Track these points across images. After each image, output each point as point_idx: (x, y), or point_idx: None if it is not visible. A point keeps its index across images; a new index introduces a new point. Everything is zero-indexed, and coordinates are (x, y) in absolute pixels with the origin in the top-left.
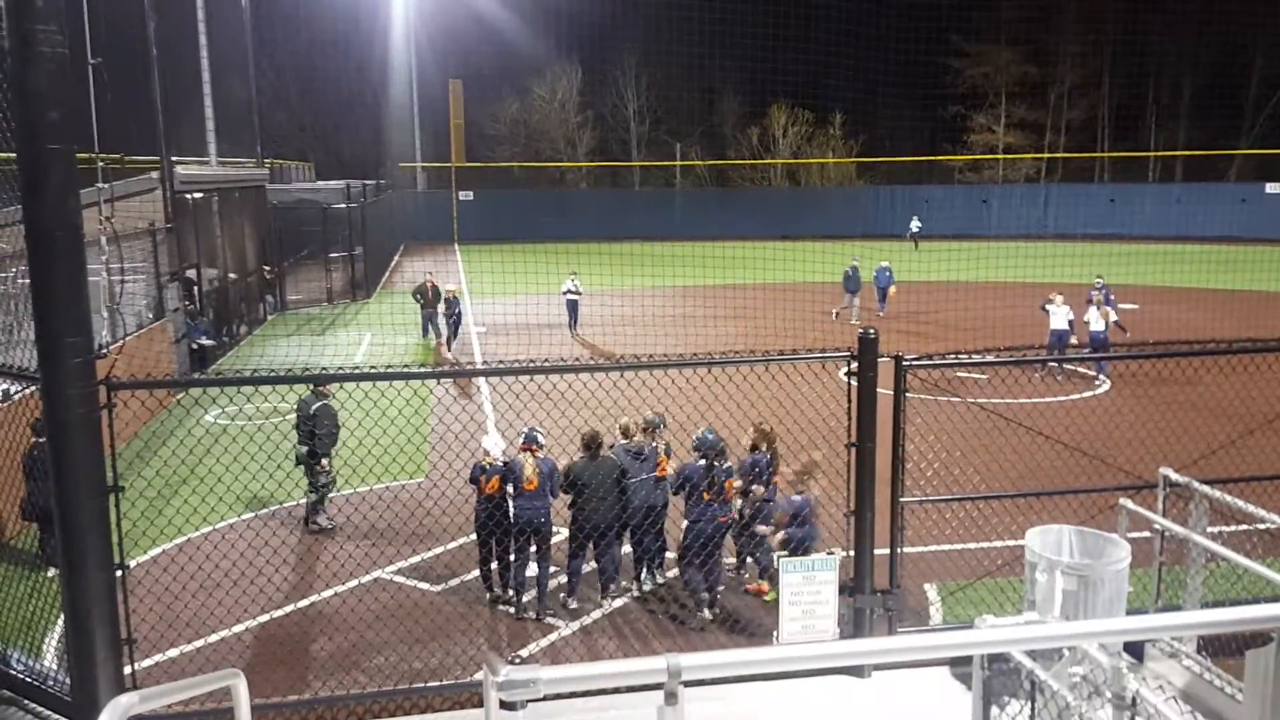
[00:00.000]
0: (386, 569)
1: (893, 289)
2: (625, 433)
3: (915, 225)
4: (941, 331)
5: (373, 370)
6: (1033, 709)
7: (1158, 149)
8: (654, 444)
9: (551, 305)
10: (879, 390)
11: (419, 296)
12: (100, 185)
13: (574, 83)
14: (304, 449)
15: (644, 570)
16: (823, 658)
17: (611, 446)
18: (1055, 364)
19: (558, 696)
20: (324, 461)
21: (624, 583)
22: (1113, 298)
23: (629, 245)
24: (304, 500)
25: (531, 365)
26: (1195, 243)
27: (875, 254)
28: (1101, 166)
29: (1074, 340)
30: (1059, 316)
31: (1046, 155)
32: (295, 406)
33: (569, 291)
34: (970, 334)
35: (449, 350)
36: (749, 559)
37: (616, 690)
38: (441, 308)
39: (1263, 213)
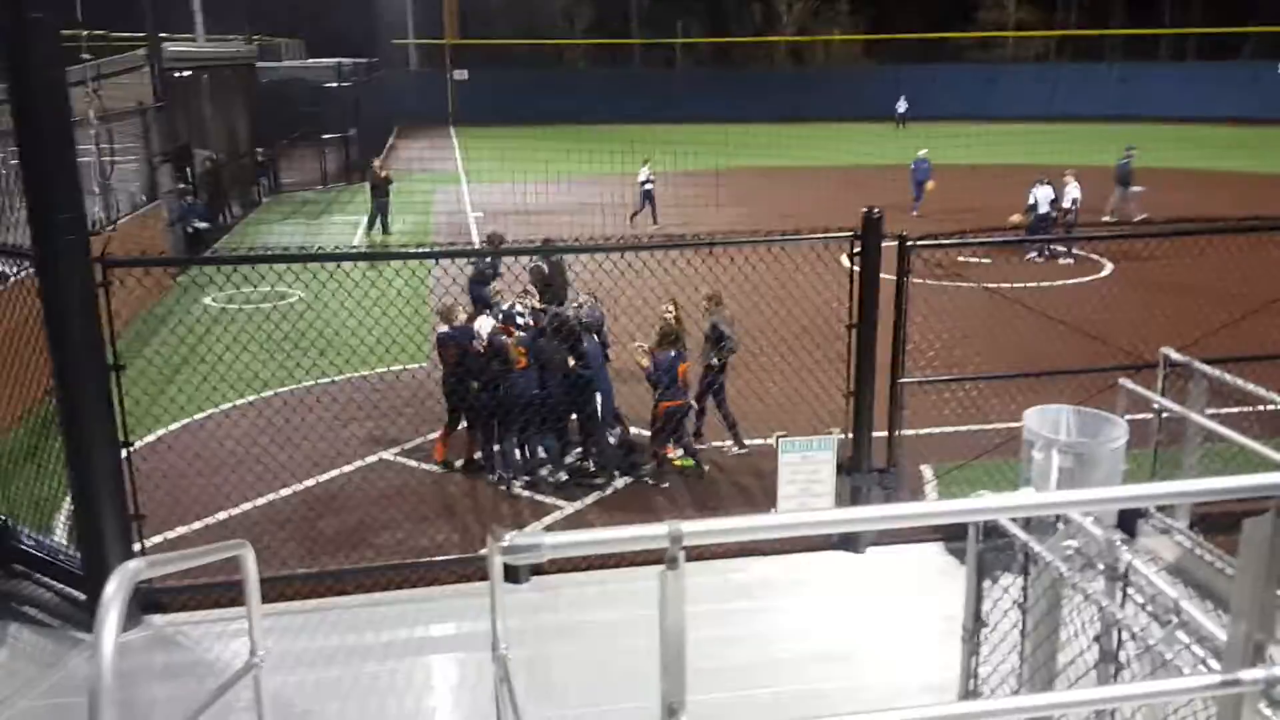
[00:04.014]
0: (390, 450)
1: (930, 184)
2: None
3: (902, 106)
4: (945, 221)
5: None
6: (1025, 580)
7: (1172, 27)
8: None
9: (549, 190)
10: (883, 276)
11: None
12: (85, 57)
13: None
14: None
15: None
16: (822, 524)
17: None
18: (1040, 245)
19: (559, 571)
20: None
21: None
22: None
23: (629, 128)
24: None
25: (530, 246)
26: (1207, 124)
27: (869, 137)
28: (1113, 45)
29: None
30: (1041, 200)
31: (1057, 33)
32: None
33: (646, 181)
34: (973, 217)
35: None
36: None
37: (618, 565)
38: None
39: (1276, 93)
